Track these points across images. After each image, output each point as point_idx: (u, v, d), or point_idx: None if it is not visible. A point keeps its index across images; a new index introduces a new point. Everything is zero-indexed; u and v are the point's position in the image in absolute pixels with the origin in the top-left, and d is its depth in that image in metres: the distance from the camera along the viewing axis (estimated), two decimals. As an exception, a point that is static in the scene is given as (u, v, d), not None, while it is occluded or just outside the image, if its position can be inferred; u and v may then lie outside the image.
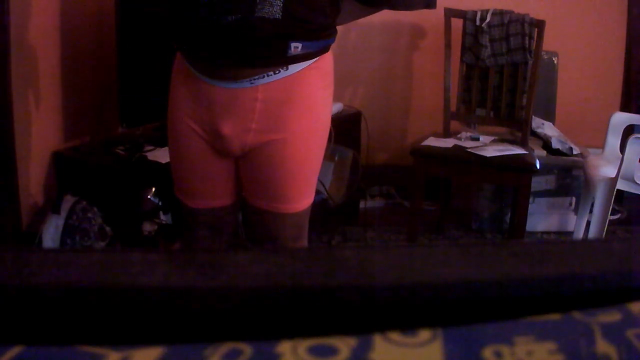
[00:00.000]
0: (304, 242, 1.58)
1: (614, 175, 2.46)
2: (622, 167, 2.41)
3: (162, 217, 2.39)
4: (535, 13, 2.80)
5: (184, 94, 1.42)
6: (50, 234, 2.12)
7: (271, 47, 1.30)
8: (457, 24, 2.90)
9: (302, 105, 1.38)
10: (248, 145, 1.39)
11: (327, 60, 1.42)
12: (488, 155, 2.51)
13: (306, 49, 1.33)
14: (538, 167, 2.54)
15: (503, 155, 2.53)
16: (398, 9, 1.52)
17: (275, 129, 1.37)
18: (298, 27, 1.30)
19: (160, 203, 2.37)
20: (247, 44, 1.29)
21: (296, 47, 1.31)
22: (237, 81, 1.33)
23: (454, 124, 2.96)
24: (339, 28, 1.46)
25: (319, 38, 1.36)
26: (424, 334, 0.40)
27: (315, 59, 1.37)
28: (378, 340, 0.40)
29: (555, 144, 2.92)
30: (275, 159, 1.41)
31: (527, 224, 2.66)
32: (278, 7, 1.24)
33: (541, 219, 2.99)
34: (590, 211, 2.65)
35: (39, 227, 2.15)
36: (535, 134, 3.00)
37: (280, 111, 1.36)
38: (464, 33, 2.88)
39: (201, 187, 1.51)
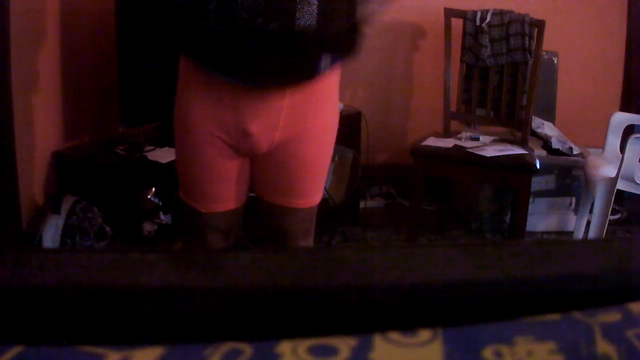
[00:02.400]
0: (312, 237, 1.63)
1: (614, 175, 2.46)
2: (622, 167, 2.41)
3: (162, 217, 2.39)
4: (535, 13, 2.80)
5: (202, 102, 1.40)
6: (50, 234, 2.12)
7: (306, 61, 1.35)
8: (457, 24, 2.90)
9: (322, 101, 1.44)
10: (275, 141, 1.42)
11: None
12: (488, 155, 2.51)
13: (335, 62, 1.41)
14: (538, 167, 2.54)
15: (503, 155, 2.53)
16: None
17: (299, 122, 1.42)
18: (330, 40, 1.36)
19: (160, 203, 2.36)
20: (286, 54, 1.32)
21: (326, 61, 1.37)
22: (266, 87, 1.37)
23: (454, 124, 2.96)
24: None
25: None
26: (424, 334, 0.40)
27: None
28: (378, 340, 0.40)
29: (555, 144, 2.92)
30: (297, 154, 1.45)
31: (527, 224, 2.66)
32: (314, 16, 1.28)
33: (541, 219, 2.99)
34: (590, 211, 2.65)
35: (39, 227, 2.15)
36: (535, 134, 3.00)
37: (304, 107, 1.41)
38: (464, 33, 2.88)
39: (218, 190, 1.51)
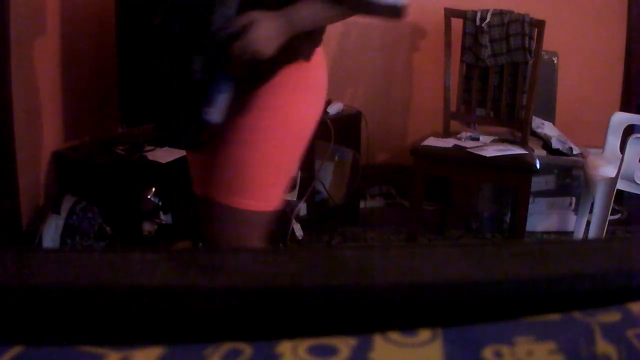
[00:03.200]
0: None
1: (614, 175, 2.46)
2: (622, 167, 2.41)
3: (162, 217, 2.39)
4: (535, 13, 2.80)
5: None
6: (50, 234, 2.12)
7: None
8: (457, 24, 2.90)
9: (251, 100, 1.41)
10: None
11: (299, 68, 1.40)
12: (488, 155, 2.51)
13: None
14: (538, 167, 2.54)
15: (503, 155, 2.53)
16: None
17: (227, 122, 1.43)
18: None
19: (160, 203, 2.36)
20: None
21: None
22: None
23: (454, 124, 2.96)
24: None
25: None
26: (424, 334, 0.40)
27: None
28: (378, 340, 0.40)
29: (555, 144, 2.92)
30: (223, 147, 1.44)
31: (527, 224, 2.66)
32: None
33: (541, 219, 2.99)
34: (590, 211, 2.65)
35: (39, 227, 2.15)
36: (535, 134, 3.00)
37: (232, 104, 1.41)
38: (464, 33, 2.88)
39: (192, 171, 1.65)
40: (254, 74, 1.39)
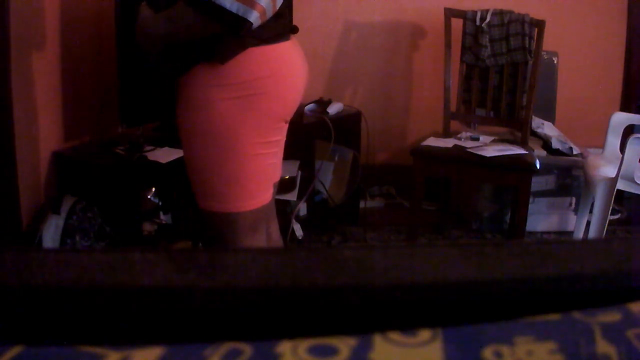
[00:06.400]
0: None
1: (614, 175, 2.46)
2: (622, 167, 2.41)
3: (162, 217, 2.39)
4: (535, 13, 2.80)
5: None
6: (50, 234, 2.12)
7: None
8: (457, 24, 2.90)
9: (184, 99, 1.44)
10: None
11: (215, 65, 1.38)
12: (488, 155, 2.51)
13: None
14: (538, 167, 2.54)
15: (503, 155, 2.53)
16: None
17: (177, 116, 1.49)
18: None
19: (160, 203, 2.36)
20: None
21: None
22: None
23: (454, 124, 2.96)
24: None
25: None
26: (424, 334, 0.40)
27: (208, 61, 1.37)
28: (378, 340, 0.40)
29: (555, 144, 2.92)
30: None
31: (527, 224, 2.66)
32: None
33: (541, 219, 2.99)
34: (590, 211, 2.65)
35: (39, 227, 2.15)
36: (535, 134, 3.00)
37: (177, 102, 1.46)
38: (464, 33, 2.88)
39: None
40: (167, 68, 1.44)
